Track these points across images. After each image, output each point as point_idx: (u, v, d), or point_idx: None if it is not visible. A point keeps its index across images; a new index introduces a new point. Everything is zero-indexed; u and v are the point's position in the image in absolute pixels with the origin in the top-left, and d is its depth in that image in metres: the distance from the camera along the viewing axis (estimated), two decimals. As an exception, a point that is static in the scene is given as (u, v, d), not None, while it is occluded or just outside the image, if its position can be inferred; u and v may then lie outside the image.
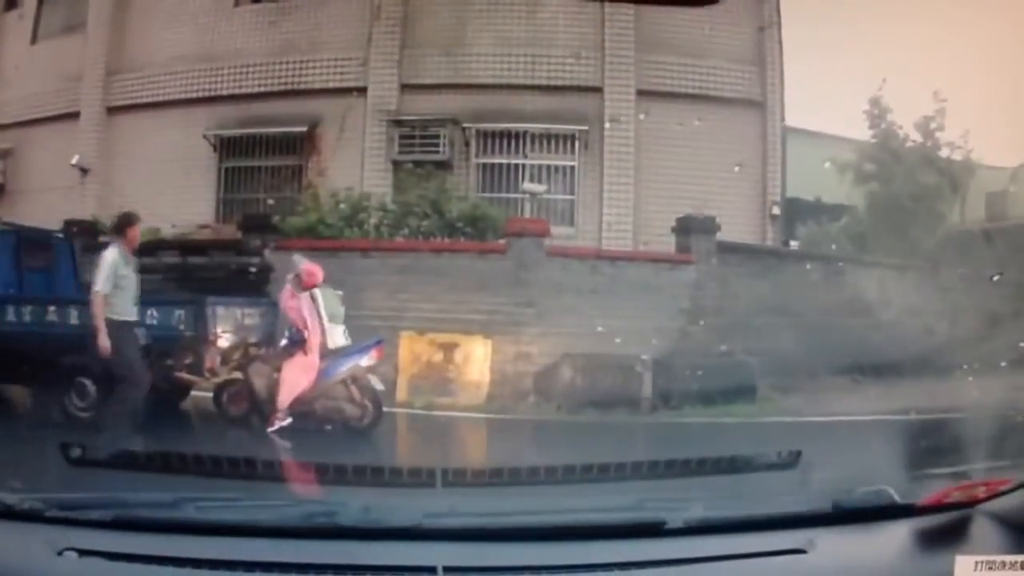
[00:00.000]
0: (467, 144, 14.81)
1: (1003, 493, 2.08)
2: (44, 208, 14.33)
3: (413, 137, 14.54)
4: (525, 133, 14.72)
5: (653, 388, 10.59)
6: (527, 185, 14.10)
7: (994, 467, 3.75)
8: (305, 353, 8.81)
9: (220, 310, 9.50)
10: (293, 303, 8.96)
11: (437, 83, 14.91)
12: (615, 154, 14.64)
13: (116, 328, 7.57)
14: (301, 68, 15.32)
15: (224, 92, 15.57)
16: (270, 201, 14.83)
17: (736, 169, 13.98)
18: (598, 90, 14.80)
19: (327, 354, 8.92)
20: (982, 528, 2.03)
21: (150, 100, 16.00)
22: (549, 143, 14.82)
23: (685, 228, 12.68)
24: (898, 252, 14.21)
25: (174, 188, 14.84)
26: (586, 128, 14.69)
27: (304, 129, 15.17)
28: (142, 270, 8.49)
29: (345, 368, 8.90)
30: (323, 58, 15.26)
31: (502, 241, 12.41)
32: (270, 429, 8.53)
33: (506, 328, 11.55)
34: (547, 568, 1.90)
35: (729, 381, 10.43)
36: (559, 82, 14.79)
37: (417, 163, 14.25)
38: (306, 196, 14.30)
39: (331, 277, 9.36)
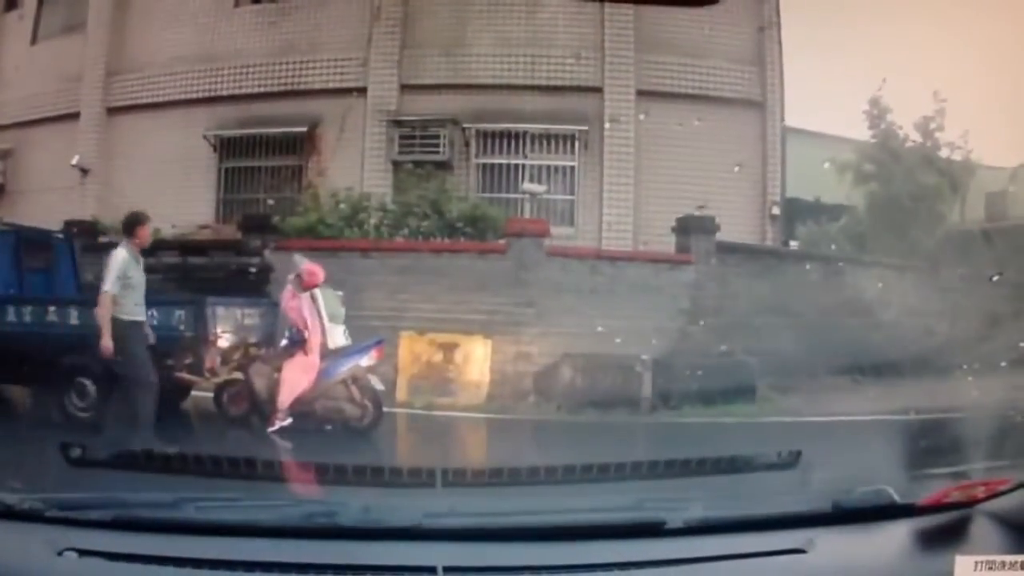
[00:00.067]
0: (467, 144, 14.81)
1: (1002, 493, 2.08)
2: (44, 208, 14.33)
3: (413, 137, 14.54)
4: (525, 133, 14.72)
5: (653, 388, 10.60)
6: (527, 185, 14.10)
7: (993, 467, 3.75)
8: (305, 353, 8.81)
9: (220, 310, 9.50)
10: (294, 303, 8.96)
11: (437, 83, 14.91)
12: (615, 154, 14.64)
13: (125, 328, 7.53)
14: (301, 68, 15.32)
15: (224, 92, 15.57)
16: (270, 201, 14.83)
17: (736, 169, 13.97)
18: (598, 90, 14.80)
19: (327, 354, 8.92)
20: (981, 528, 2.03)
21: (150, 100, 16.00)
22: (549, 143, 14.82)
23: (685, 228, 12.69)
24: (898, 252, 14.21)
25: (174, 188, 14.82)
26: (586, 128, 14.69)
27: (304, 129, 15.17)
28: (142, 270, 8.49)
29: (345, 368, 8.90)
30: (323, 58, 15.26)
31: (502, 241, 12.41)
32: (270, 429, 8.54)
33: (506, 328, 11.56)
34: (547, 568, 1.90)
35: (729, 381, 10.44)
36: (559, 82, 14.79)
37: (417, 163, 14.25)
38: (306, 196, 14.30)
39: (331, 277, 9.36)
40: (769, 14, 15.16)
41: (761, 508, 2.25)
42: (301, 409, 8.68)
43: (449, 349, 11.33)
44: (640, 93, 14.73)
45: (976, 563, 1.85)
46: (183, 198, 14.90)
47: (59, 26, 17.32)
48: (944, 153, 15.82)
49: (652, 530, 2.05)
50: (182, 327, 9.08)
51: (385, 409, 9.07)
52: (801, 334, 11.24)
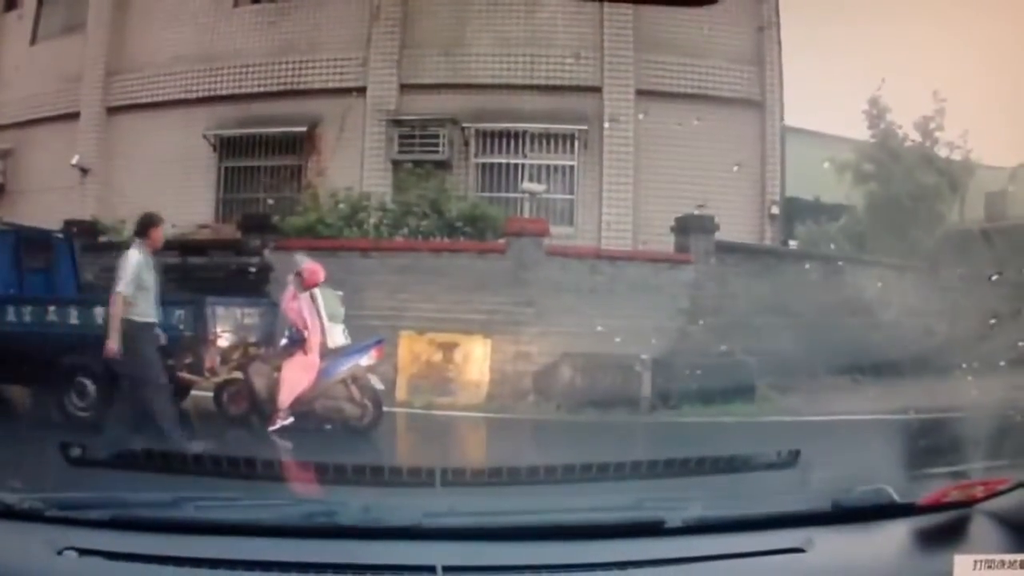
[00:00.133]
0: (466, 144, 14.81)
1: (1001, 492, 2.08)
2: (44, 208, 14.34)
3: (412, 137, 14.54)
4: (524, 133, 14.73)
5: (652, 387, 10.60)
6: (526, 185, 14.11)
7: (992, 466, 3.75)
8: (305, 353, 8.81)
9: (220, 310, 9.51)
10: (294, 304, 8.96)
11: (436, 83, 14.92)
12: (614, 154, 14.65)
13: (138, 330, 7.48)
14: (301, 68, 15.32)
15: (224, 92, 15.58)
16: (270, 201, 14.83)
17: (735, 169, 13.97)
18: (597, 90, 14.81)
19: (327, 354, 8.92)
20: (981, 527, 2.03)
21: (150, 100, 16.01)
22: (548, 143, 14.83)
23: (684, 228, 12.69)
24: (897, 252, 14.21)
25: (174, 188, 14.82)
26: (585, 128, 14.70)
27: (304, 129, 15.18)
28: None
29: (345, 368, 8.90)
30: (322, 58, 15.26)
31: (501, 241, 12.41)
32: (271, 429, 8.53)
33: (505, 328, 11.56)
34: (546, 567, 1.90)
35: (728, 380, 10.44)
36: (558, 82, 14.80)
37: (416, 163, 14.26)
38: (306, 196, 14.31)
39: (331, 277, 9.36)
40: (768, 14, 15.17)
41: (760, 507, 2.25)
42: (301, 408, 8.68)
43: (449, 349, 11.33)
44: (639, 93, 14.73)
45: (975, 562, 1.85)
46: (183, 198, 14.90)
47: (59, 26, 17.33)
48: (943, 153, 15.85)
49: (651, 529, 2.05)
50: (182, 327, 9.08)
51: (385, 409, 9.07)
52: (800, 334, 11.24)
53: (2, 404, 10.26)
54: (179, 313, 9.14)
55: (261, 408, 8.87)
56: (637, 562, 1.93)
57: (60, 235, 11.46)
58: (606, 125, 14.61)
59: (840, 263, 13.64)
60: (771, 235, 15.02)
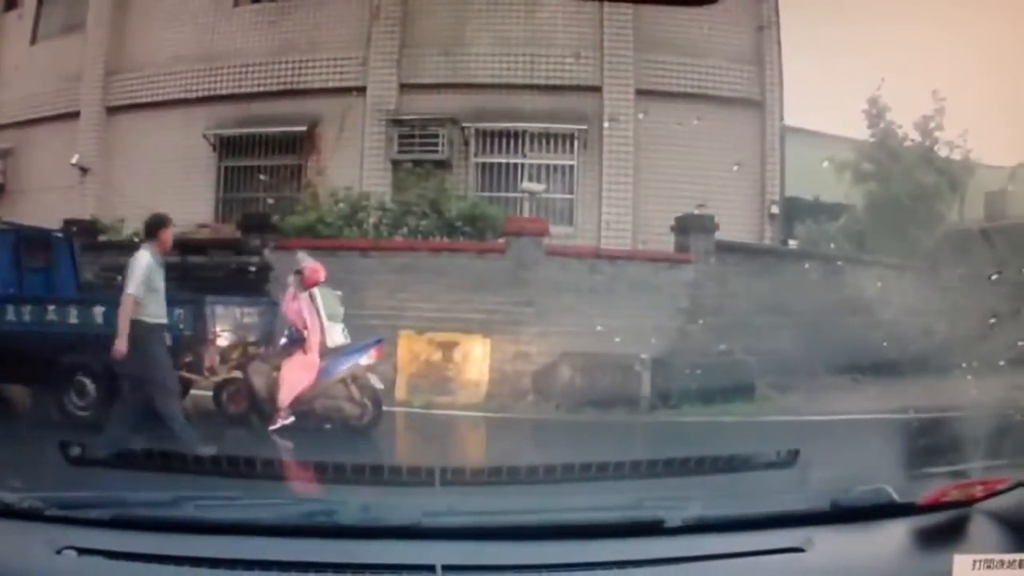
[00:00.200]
0: (466, 143, 14.81)
1: (1001, 492, 2.08)
2: (44, 207, 14.33)
3: (412, 136, 14.54)
4: (524, 132, 14.73)
5: (652, 387, 10.59)
6: (526, 184, 14.11)
7: (992, 466, 3.75)
8: (304, 352, 8.81)
9: (219, 309, 9.52)
10: (294, 304, 8.97)
11: (436, 83, 14.92)
12: (614, 153, 14.65)
13: (148, 331, 7.46)
14: (300, 68, 15.32)
15: (224, 92, 15.58)
16: (269, 200, 14.84)
17: (735, 168, 13.98)
18: (597, 89, 14.81)
19: (326, 353, 8.93)
20: (980, 527, 2.03)
21: (150, 100, 16.01)
22: (548, 142, 14.83)
23: (684, 227, 12.69)
24: (897, 251, 14.22)
25: (174, 187, 14.81)
26: (585, 127, 14.70)
27: (303, 129, 15.18)
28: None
29: (345, 367, 8.90)
30: (322, 58, 15.26)
31: (501, 240, 12.41)
32: (272, 428, 8.53)
33: (505, 327, 11.56)
34: (545, 567, 1.90)
35: (728, 380, 10.45)
36: (558, 81, 14.80)
37: (416, 162, 14.26)
38: (305, 195, 14.31)
39: (330, 276, 9.36)
40: (768, 13, 15.17)
41: (760, 507, 2.25)
42: (300, 408, 8.69)
43: (448, 348, 11.33)
44: (639, 92, 14.73)
45: (974, 562, 1.85)
46: (182, 197, 14.88)
47: (59, 26, 17.33)
48: (943, 152, 15.87)
49: (651, 529, 2.05)
50: (181, 326, 9.07)
51: (384, 408, 9.07)
52: (800, 333, 11.25)
53: (2, 403, 10.26)
54: (179, 312, 9.11)
55: (260, 407, 8.87)
56: (636, 561, 1.93)
57: (60, 234, 11.45)
58: (606, 125, 14.61)
59: (840, 263, 13.65)
60: (771, 235, 15.02)
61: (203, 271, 12.05)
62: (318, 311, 8.96)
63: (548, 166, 14.80)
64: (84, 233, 12.50)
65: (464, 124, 14.70)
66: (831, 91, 26.77)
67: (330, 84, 15.23)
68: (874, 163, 15.84)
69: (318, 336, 8.88)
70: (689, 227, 12.64)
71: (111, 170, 15.85)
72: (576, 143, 14.78)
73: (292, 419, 8.57)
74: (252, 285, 11.35)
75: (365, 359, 9.00)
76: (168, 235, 7.91)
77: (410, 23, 15.19)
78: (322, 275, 9.09)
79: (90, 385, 9.02)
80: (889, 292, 12.68)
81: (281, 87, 15.34)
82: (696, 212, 12.76)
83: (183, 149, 15.46)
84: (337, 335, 9.09)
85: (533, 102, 14.75)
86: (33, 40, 17.43)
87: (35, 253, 10.56)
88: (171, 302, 9.17)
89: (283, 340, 9.16)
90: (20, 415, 10.06)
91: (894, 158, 15.67)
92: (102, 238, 13.38)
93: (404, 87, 15.03)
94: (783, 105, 15.32)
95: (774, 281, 12.54)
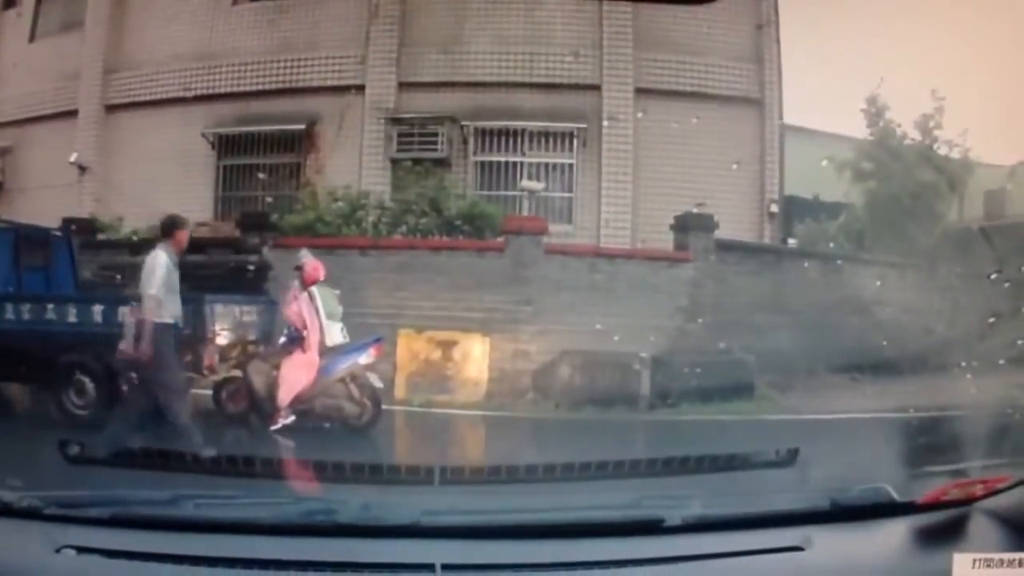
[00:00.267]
0: (465, 142, 14.80)
1: (1001, 491, 2.08)
2: (42, 206, 14.33)
3: (411, 135, 14.54)
4: (523, 131, 14.72)
5: (651, 386, 10.59)
6: (525, 183, 14.10)
7: (992, 465, 3.75)
8: (304, 351, 8.81)
9: (218, 308, 9.50)
10: (293, 305, 8.97)
11: (435, 81, 14.92)
12: (613, 152, 14.64)
13: (163, 331, 7.46)
14: (299, 66, 15.31)
15: (222, 90, 15.56)
16: (268, 199, 14.84)
17: (734, 167, 13.98)
18: (596, 88, 14.80)
19: (326, 352, 8.92)
20: (980, 526, 2.03)
21: (148, 98, 15.99)
22: (547, 141, 14.82)
23: (683, 226, 12.69)
24: (896, 250, 14.23)
25: (172, 186, 14.81)
26: (584, 126, 14.69)
27: (302, 127, 15.17)
28: (138, 268, 8.43)
29: (344, 366, 8.90)
30: (321, 56, 15.25)
31: (500, 239, 12.41)
32: (272, 427, 8.53)
33: (504, 326, 11.55)
34: (545, 566, 1.90)
35: (727, 379, 10.45)
36: (557, 80, 14.79)
37: (415, 161, 14.24)
38: (304, 194, 14.29)
39: (329, 275, 9.36)
40: (767, 12, 15.16)
41: (759, 506, 2.25)
42: (300, 407, 8.68)
43: (447, 347, 11.33)
44: (638, 91, 14.73)
45: (974, 561, 1.85)
46: (181, 195, 14.85)
47: (57, 24, 17.31)
48: (942, 151, 15.84)
49: (650, 528, 2.05)
50: (180, 325, 9.05)
51: (383, 407, 9.07)
52: (799, 332, 11.25)
53: (1, 402, 10.25)
54: (178, 311, 9.12)
55: (260, 406, 8.86)
56: (636, 560, 1.93)
57: (58, 233, 11.43)
58: (605, 123, 14.60)
59: (839, 261, 13.66)
60: (770, 233, 15.01)
61: (202, 270, 12.00)
62: (317, 310, 8.96)
63: (547, 165, 14.79)
64: (83, 231, 12.48)
65: (463, 122, 14.69)
66: (830, 90, 26.82)
67: (329, 82, 15.21)
68: (873, 162, 15.83)
69: (317, 335, 8.88)
70: (688, 226, 12.64)
71: (110, 168, 15.82)
72: (575, 142, 14.77)
73: (292, 418, 8.57)
74: (251, 284, 11.33)
75: (364, 358, 8.99)
76: (184, 236, 7.90)
77: (409, 22, 15.18)
78: (322, 273, 9.11)
79: (89, 384, 9.01)
80: (888, 291, 12.68)
81: (280, 85, 15.33)
82: (695, 211, 12.76)
83: (182, 147, 15.44)
84: (336, 334, 9.08)
85: (532, 101, 14.74)
86: (32, 38, 17.42)
87: (34, 252, 10.54)
88: (171, 301, 9.21)
89: (282, 339, 9.16)
90: (19, 414, 10.05)
91: (893, 157, 15.66)
92: (101, 236, 13.38)
93: (403, 85, 15.02)
94: (782, 104, 15.33)
95: (773, 280, 12.55)
